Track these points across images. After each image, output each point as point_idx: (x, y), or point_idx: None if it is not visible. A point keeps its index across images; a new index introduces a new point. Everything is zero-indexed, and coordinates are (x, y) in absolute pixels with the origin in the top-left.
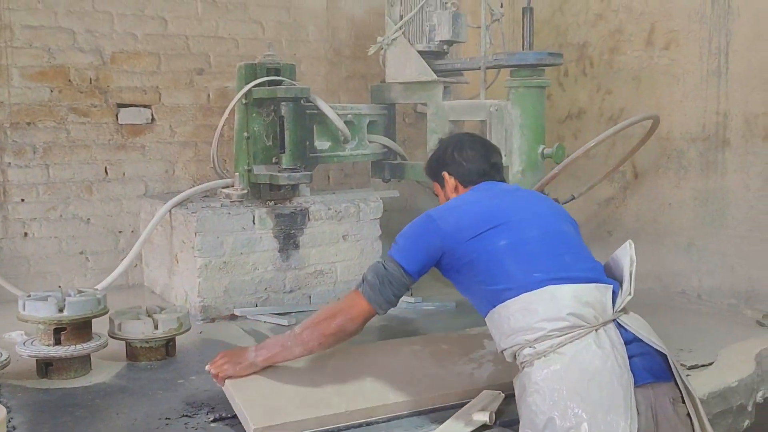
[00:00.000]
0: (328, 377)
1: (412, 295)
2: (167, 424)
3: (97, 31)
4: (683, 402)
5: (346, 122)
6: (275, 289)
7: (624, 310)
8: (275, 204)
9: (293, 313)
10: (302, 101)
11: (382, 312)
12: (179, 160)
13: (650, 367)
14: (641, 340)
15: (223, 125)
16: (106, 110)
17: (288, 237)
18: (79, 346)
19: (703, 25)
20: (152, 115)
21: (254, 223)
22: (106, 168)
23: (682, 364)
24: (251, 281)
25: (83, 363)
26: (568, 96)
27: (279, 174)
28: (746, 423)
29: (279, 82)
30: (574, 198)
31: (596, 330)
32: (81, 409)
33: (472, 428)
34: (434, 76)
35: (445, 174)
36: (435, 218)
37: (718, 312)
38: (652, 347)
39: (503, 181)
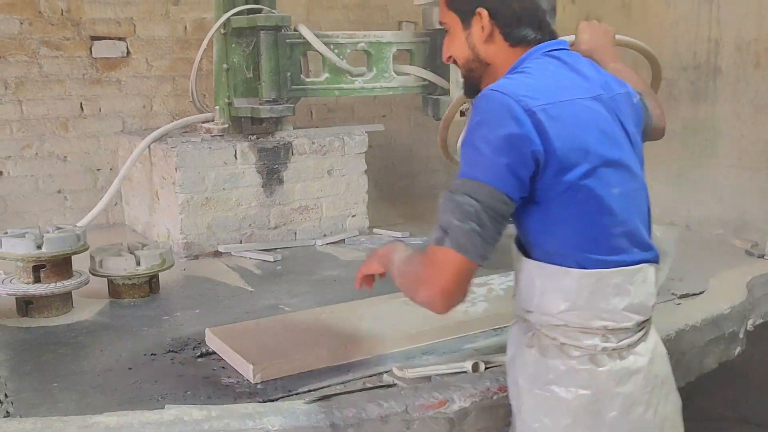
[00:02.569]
0: (320, 328)
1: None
2: (153, 360)
3: None
4: None
5: (358, 51)
6: (259, 225)
7: None
8: (257, 138)
9: (278, 250)
10: (284, 30)
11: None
12: (157, 95)
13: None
14: None
15: (202, 58)
16: (79, 43)
17: (271, 172)
18: (59, 284)
19: None
20: (127, 48)
21: (236, 158)
22: (81, 104)
23: (672, 293)
24: (235, 217)
25: (64, 301)
26: (556, 26)
27: (260, 107)
28: (737, 350)
29: (258, 11)
30: None
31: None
32: (64, 347)
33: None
34: None
35: (483, 11)
36: (535, 111)
37: (707, 242)
38: None
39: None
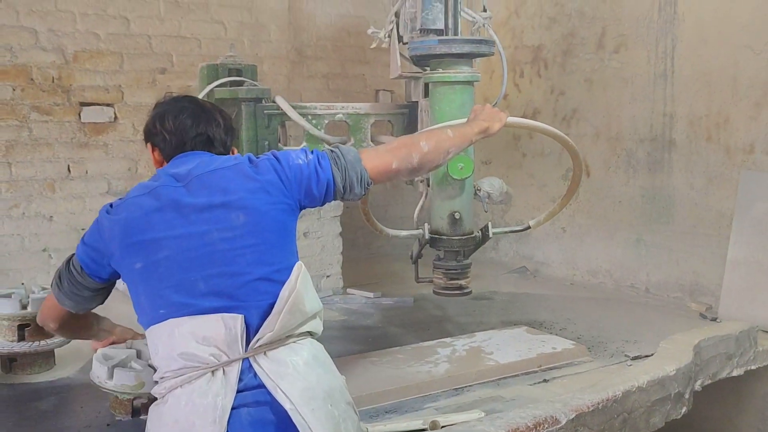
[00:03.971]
0: None
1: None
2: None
3: (60, 30)
4: None
5: (335, 122)
6: None
7: (269, 347)
8: None
9: None
10: (264, 101)
11: (74, 311)
12: (142, 158)
13: (259, 422)
14: (266, 387)
15: None
16: (68, 109)
17: None
18: (43, 342)
19: (650, 30)
20: (115, 113)
21: None
22: (69, 166)
23: (626, 355)
24: None
25: (47, 358)
26: (523, 97)
27: None
28: (683, 410)
29: (241, 83)
30: (529, 228)
31: (213, 372)
32: (45, 404)
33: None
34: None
35: (150, 146)
36: (102, 218)
37: (665, 305)
38: (277, 398)
39: (222, 153)
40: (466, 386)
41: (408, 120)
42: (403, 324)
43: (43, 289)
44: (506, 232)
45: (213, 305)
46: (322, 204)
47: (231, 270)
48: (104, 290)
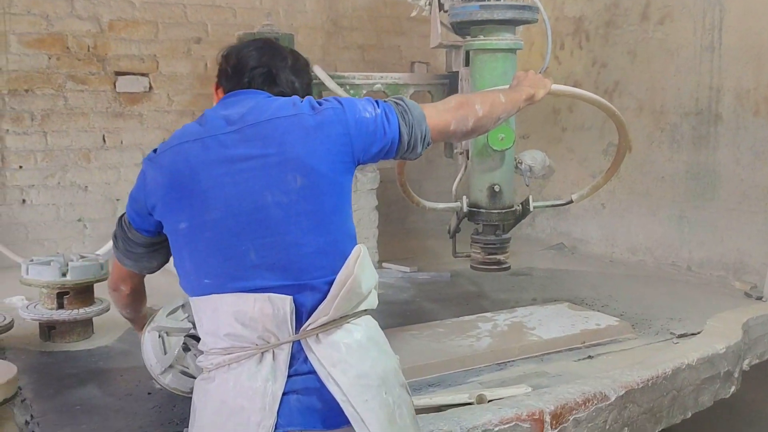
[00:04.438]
0: None
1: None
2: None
3: None
4: None
5: (373, 92)
6: None
7: (322, 329)
8: None
9: None
10: None
11: (136, 270)
12: (176, 129)
13: (308, 409)
14: (317, 374)
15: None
16: (103, 78)
17: None
18: (81, 310)
19: (697, 1)
20: (150, 83)
21: None
22: (104, 136)
23: (671, 333)
24: None
25: (85, 327)
26: (564, 69)
27: None
28: (732, 389)
29: None
30: (572, 201)
31: (263, 353)
32: (85, 371)
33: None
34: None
35: (214, 86)
36: (145, 167)
37: (708, 283)
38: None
39: (286, 95)
40: (508, 361)
41: (448, 90)
42: (439, 299)
43: (82, 257)
44: (548, 206)
45: (264, 281)
46: (376, 161)
47: (285, 240)
48: (158, 247)
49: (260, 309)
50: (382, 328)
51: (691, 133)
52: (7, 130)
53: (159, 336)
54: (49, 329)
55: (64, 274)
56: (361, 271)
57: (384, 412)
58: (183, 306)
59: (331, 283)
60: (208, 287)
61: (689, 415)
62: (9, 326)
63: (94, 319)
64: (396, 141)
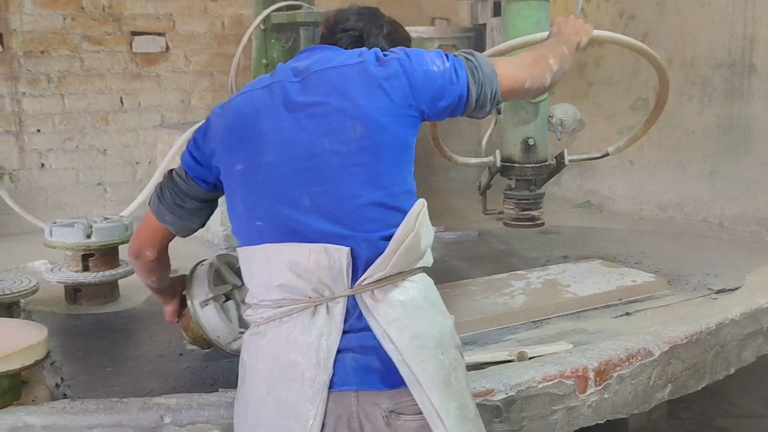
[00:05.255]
0: None
1: None
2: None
3: None
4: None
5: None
6: None
7: (378, 284)
8: None
9: None
10: None
11: (174, 230)
12: (195, 90)
13: (364, 368)
14: (373, 331)
15: (240, 53)
16: (119, 38)
17: None
18: (107, 272)
19: None
20: (167, 43)
21: None
22: (121, 98)
23: (709, 288)
24: None
25: (112, 289)
26: (590, 22)
27: None
28: None
29: (298, 7)
30: (608, 154)
31: (316, 306)
32: (114, 333)
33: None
34: None
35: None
36: (212, 114)
37: (740, 239)
38: (383, 345)
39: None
40: (544, 319)
41: (474, 44)
42: (468, 258)
43: (106, 218)
44: (583, 160)
45: (317, 227)
46: (443, 118)
47: (340, 191)
48: (207, 204)
49: (316, 260)
50: None
51: (723, 86)
52: (24, 93)
53: (214, 307)
54: (74, 292)
55: (88, 236)
56: (422, 228)
57: (440, 374)
58: (215, 269)
59: (386, 238)
60: (260, 233)
61: (732, 371)
62: (35, 289)
63: (119, 282)
64: (464, 98)
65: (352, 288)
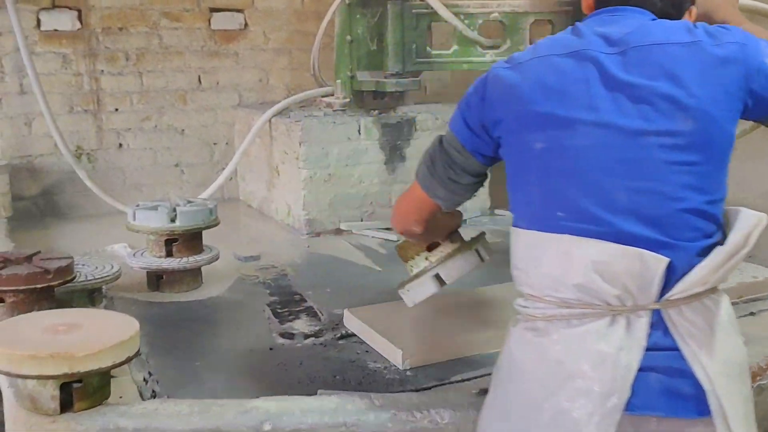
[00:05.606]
0: (467, 311)
1: None
2: (293, 340)
3: None
4: None
5: (490, 22)
6: (381, 203)
7: (686, 300)
8: (380, 113)
9: None
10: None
11: (445, 206)
12: (273, 69)
13: (672, 393)
14: (681, 352)
15: (324, 30)
16: (198, 15)
17: (394, 148)
18: (191, 258)
19: None
20: (245, 20)
21: (360, 133)
22: (199, 76)
23: None
24: (357, 194)
25: (195, 276)
26: None
27: (386, 80)
28: None
29: None
30: None
31: (614, 316)
32: (199, 323)
33: None
34: None
35: None
36: (488, 79)
37: None
38: (693, 369)
39: (666, 16)
40: None
41: (573, 19)
42: None
43: (189, 201)
44: None
45: (630, 229)
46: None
47: (661, 190)
48: (482, 179)
49: (627, 265)
50: None
51: None
52: (102, 71)
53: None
54: (157, 278)
55: (172, 220)
56: (753, 244)
57: (743, 407)
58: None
59: (702, 251)
60: (561, 224)
61: None
62: (117, 275)
63: (202, 268)
64: None
65: (659, 301)
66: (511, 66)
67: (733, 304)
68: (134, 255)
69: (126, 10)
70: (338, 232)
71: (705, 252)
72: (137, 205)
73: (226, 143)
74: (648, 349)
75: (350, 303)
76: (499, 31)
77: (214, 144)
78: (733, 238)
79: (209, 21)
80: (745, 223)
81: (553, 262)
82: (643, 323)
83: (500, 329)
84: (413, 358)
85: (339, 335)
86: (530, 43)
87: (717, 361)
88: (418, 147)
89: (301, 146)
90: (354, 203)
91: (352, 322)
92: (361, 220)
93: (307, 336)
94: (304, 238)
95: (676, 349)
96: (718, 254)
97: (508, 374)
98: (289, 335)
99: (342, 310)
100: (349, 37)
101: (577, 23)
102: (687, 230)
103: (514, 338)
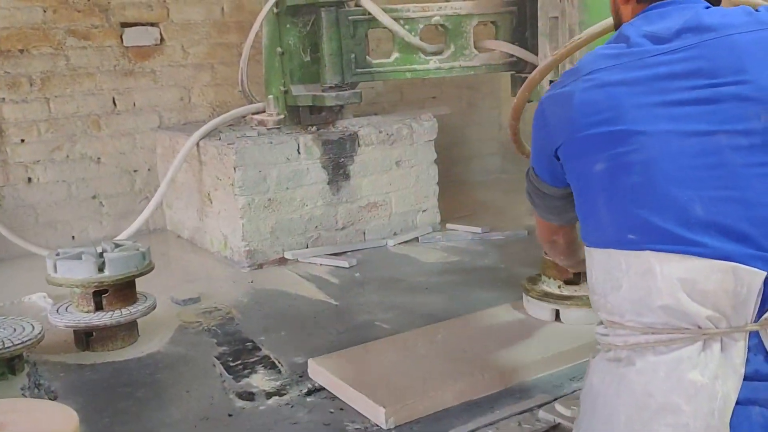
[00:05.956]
0: (443, 352)
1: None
2: (253, 403)
3: None
4: None
5: (433, 26)
6: (326, 226)
7: None
8: (318, 129)
9: (348, 252)
10: (345, 5)
11: (560, 224)
12: (195, 86)
13: None
14: None
15: (251, 42)
16: (108, 31)
17: (337, 167)
18: (125, 311)
19: None
20: (161, 34)
21: (299, 153)
22: (114, 98)
23: None
24: (300, 219)
25: (130, 330)
26: None
27: (324, 94)
28: None
29: None
30: None
31: (706, 341)
32: (141, 388)
33: None
34: None
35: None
36: (543, 106)
37: None
38: None
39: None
40: None
41: (517, 20)
42: (530, 262)
43: (118, 245)
44: None
45: (714, 244)
46: None
47: (745, 196)
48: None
49: (719, 281)
50: (495, 303)
51: None
52: (3, 99)
53: None
54: (86, 335)
55: (100, 269)
56: None
57: None
58: None
59: None
60: (635, 243)
61: None
62: (40, 338)
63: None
64: None
65: (757, 322)
66: (560, 89)
67: None
68: (57, 310)
69: (26, 30)
70: (282, 261)
71: None
72: (57, 254)
73: (148, 170)
74: (746, 378)
75: (311, 348)
76: (441, 35)
77: (135, 171)
78: None
79: (121, 37)
80: None
81: (636, 284)
82: (740, 348)
83: (487, 367)
84: (397, 415)
85: (306, 390)
86: (475, 47)
87: None
88: (363, 163)
89: (236, 171)
90: (297, 229)
91: (318, 374)
92: (307, 247)
93: (269, 394)
94: (245, 271)
95: None
96: None
97: (593, 409)
98: (248, 395)
99: (303, 357)
100: (279, 49)
101: (623, 25)
102: None
103: (596, 371)
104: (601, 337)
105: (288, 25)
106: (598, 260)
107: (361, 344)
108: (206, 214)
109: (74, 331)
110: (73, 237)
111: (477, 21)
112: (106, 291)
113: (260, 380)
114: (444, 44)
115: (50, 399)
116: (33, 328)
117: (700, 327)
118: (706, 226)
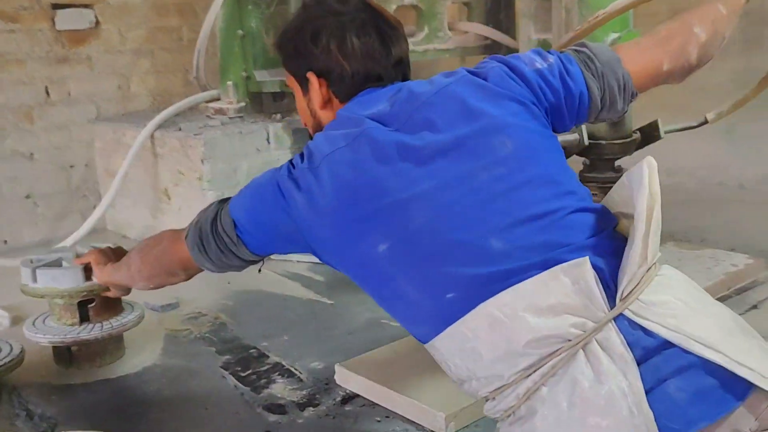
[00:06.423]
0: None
1: None
2: (288, 416)
3: None
4: None
5: (405, 7)
6: None
7: (639, 288)
8: (284, 117)
9: None
10: None
11: (213, 269)
12: (134, 73)
13: (701, 393)
14: (676, 344)
15: (211, 24)
16: (38, 13)
17: None
18: (115, 321)
19: None
20: (96, 17)
21: (269, 142)
22: (46, 88)
23: None
24: None
25: (118, 343)
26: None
27: None
28: None
29: None
30: (706, 122)
31: (584, 349)
32: (153, 409)
33: None
34: None
35: (312, 76)
36: (282, 188)
37: (765, 201)
38: (700, 354)
39: (407, 78)
40: None
41: (492, 2)
42: None
43: (94, 247)
44: (679, 130)
45: (526, 263)
46: (569, 128)
47: (527, 214)
48: (258, 259)
49: (556, 289)
50: None
51: (740, 37)
52: None
53: None
54: (68, 350)
55: (88, 276)
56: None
57: (758, 350)
58: None
59: (603, 237)
60: (458, 305)
61: None
62: (20, 360)
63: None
64: (585, 97)
65: (614, 307)
66: (300, 172)
67: (726, 298)
68: (33, 324)
69: None
70: None
71: (612, 237)
72: (31, 261)
73: (86, 165)
74: (641, 362)
75: (323, 352)
76: (414, 17)
77: (71, 167)
78: (641, 196)
79: (53, 20)
80: (645, 172)
81: (490, 342)
82: (613, 338)
83: None
84: (458, 420)
85: (340, 398)
86: (449, 29)
87: (713, 327)
88: None
89: (204, 163)
90: None
91: (348, 380)
92: None
93: (300, 405)
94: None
95: (669, 344)
96: (637, 221)
97: None
98: (278, 408)
99: (319, 363)
100: (240, 32)
101: (341, 112)
102: (575, 232)
103: None
104: (495, 412)
105: (250, 6)
106: (445, 347)
107: (386, 345)
108: (162, 211)
109: (54, 347)
110: (5, 241)
111: (450, 1)
112: (92, 301)
113: (283, 390)
114: (416, 26)
115: (50, 428)
116: (11, 348)
117: (570, 340)
118: (510, 254)
